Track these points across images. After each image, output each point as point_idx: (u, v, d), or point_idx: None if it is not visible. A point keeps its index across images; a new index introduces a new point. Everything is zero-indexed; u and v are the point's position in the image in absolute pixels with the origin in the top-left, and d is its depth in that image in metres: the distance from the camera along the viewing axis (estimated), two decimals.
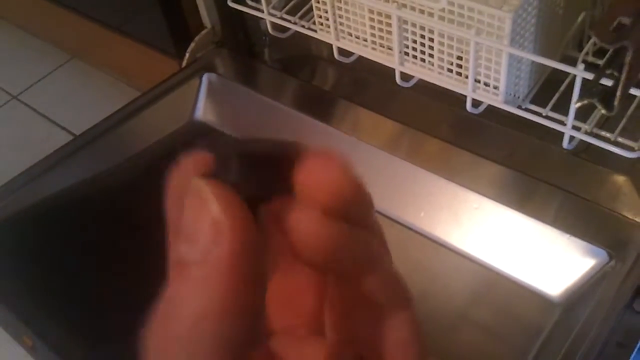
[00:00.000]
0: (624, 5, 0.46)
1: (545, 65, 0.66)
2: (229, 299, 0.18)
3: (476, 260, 0.68)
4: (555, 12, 0.67)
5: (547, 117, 0.65)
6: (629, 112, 0.64)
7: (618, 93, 0.46)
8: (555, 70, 0.67)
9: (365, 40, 0.75)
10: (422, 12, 0.67)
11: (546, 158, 0.70)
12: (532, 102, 0.67)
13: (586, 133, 0.63)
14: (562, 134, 0.63)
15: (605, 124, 0.65)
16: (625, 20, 0.45)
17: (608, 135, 0.63)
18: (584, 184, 0.67)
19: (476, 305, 0.64)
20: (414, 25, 0.68)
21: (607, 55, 0.51)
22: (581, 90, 0.55)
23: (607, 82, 0.51)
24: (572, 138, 0.63)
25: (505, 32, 0.61)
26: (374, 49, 0.75)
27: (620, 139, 0.62)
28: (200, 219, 0.18)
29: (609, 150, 0.62)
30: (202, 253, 0.18)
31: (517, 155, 0.71)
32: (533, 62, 0.66)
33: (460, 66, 0.68)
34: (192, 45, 0.93)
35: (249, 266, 0.19)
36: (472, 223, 0.69)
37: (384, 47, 0.74)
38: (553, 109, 0.66)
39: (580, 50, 0.70)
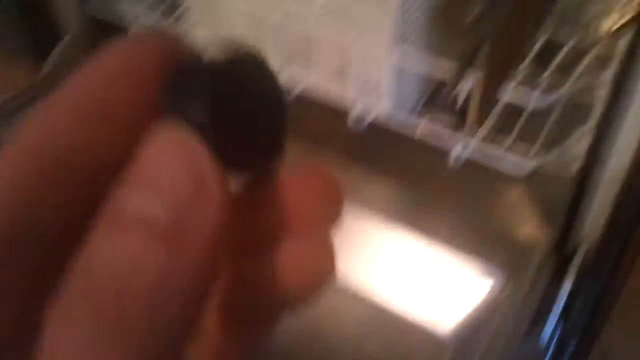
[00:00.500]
0: None
1: (436, 72, 0.61)
2: (197, 283, 0.13)
3: (366, 294, 0.61)
4: (444, 12, 0.62)
5: (430, 134, 0.60)
6: (522, 120, 0.60)
7: (473, 101, 0.40)
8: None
9: None
10: (298, 15, 0.60)
11: (439, 172, 0.64)
12: (424, 110, 0.62)
13: (479, 143, 0.58)
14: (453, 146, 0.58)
15: (498, 135, 0.61)
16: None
17: (500, 146, 0.58)
18: (477, 199, 0.62)
19: (364, 344, 0.57)
20: (292, 29, 0.61)
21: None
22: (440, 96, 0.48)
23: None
24: (462, 150, 0.58)
25: (387, 33, 0.56)
26: None
27: (513, 150, 0.58)
28: (173, 166, 0.13)
29: (502, 164, 0.57)
30: (174, 210, 0.13)
31: (408, 171, 0.65)
32: (423, 64, 0.60)
33: (343, 73, 0.62)
34: (53, 54, 0.83)
35: (221, 247, 0.14)
36: (360, 247, 0.63)
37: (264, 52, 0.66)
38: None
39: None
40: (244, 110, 0.15)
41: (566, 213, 0.54)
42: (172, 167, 0.13)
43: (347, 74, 0.61)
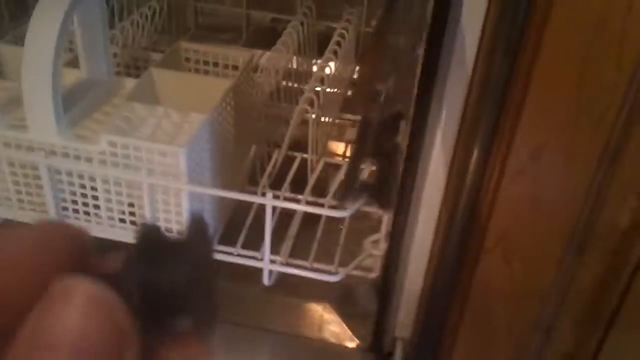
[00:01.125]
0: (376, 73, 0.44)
1: (230, 200, 0.62)
2: None
3: None
4: (228, 146, 0.64)
5: (240, 256, 0.60)
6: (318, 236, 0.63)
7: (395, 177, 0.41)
8: (239, 205, 0.63)
9: (10, 199, 0.60)
10: (78, 158, 0.57)
11: (246, 301, 0.63)
12: (222, 242, 0.62)
13: (283, 264, 0.59)
14: (259, 272, 0.59)
15: (297, 253, 0.63)
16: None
17: (304, 263, 0.60)
18: (288, 319, 0.62)
19: None
20: (69, 174, 0.57)
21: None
22: (346, 192, 0.49)
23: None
24: (271, 272, 0.59)
25: (180, 169, 0.55)
26: (22, 208, 0.61)
27: (317, 265, 0.60)
28: (90, 321, 0.14)
29: (305, 281, 0.59)
30: None
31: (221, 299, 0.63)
32: (217, 198, 0.61)
33: (133, 214, 0.59)
34: None
35: None
36: None
37: (35, 204, 0.60)
38: (243, 246, 0.61)
39: (257, 182, 0.68)
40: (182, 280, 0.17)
41: (376, 315, 0.57)
42: (88, 322, 0.14)
43: (138, 213, 0.59)
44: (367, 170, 0.52)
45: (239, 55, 0.70)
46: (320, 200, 0.65)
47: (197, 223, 0.17)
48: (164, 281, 0.16)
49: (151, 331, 0.16)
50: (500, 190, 0.45)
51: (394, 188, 0.42)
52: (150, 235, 0.17)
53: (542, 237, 0.45)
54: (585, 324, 0.47)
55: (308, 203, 0.63)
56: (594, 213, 0.43)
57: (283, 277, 0.61)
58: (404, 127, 0.40)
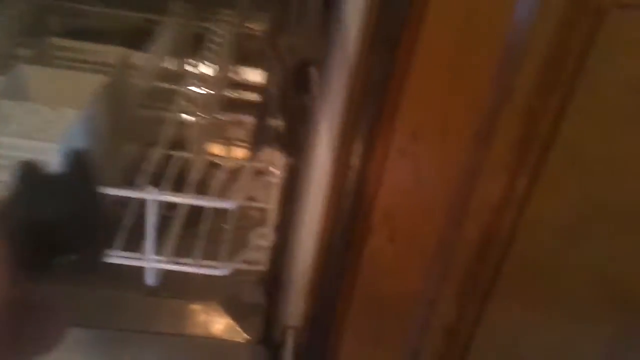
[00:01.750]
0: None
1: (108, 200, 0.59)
2: None
3: None
4: (103, 145, 0.61)
5: (122, 257, 0.57)
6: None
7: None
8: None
9: None
10: None
11: (129, 306, 0.61)
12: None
13: (167, 262, 0.58)
14: (141, 277, 0.57)
15: (181, 253, 0.62)
16: None
17: (189, 261, 0.59)
18: (175, 321, 0.61)
19: None
20: None
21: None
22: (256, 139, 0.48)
23: None
24: (155, 271, 0.57)
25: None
26: None
27: (203, 260, 0.59)
28: None
29: (189, 281, 0.58)
30: None
31: (93, 311, 0.60)
32: None
33: None
34: None
35: None
36: None
37: None
38: (124, 249, 0.59)
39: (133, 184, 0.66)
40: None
41: (265, 307, 0.57)
42: None
43: None
44: (275, 123, 0.53)
45: (112, 53, 0.67)
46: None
47: (76, 158, 0.17)
48: (45, 217, 0.16)
49: (32, 266, 0.16)
50: (385, 170, 0.47)
51: (300, 136, 0.44)
52: (31, 172, 0.16)
53: (423, 214, 0.48)
54: (466, 296, 0.50)
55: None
56: (469, 189, 0.46)
57: (167, 279, 0.59)
58: (314, 74, 0.41)
